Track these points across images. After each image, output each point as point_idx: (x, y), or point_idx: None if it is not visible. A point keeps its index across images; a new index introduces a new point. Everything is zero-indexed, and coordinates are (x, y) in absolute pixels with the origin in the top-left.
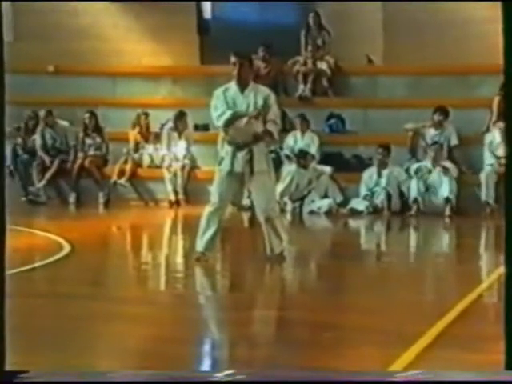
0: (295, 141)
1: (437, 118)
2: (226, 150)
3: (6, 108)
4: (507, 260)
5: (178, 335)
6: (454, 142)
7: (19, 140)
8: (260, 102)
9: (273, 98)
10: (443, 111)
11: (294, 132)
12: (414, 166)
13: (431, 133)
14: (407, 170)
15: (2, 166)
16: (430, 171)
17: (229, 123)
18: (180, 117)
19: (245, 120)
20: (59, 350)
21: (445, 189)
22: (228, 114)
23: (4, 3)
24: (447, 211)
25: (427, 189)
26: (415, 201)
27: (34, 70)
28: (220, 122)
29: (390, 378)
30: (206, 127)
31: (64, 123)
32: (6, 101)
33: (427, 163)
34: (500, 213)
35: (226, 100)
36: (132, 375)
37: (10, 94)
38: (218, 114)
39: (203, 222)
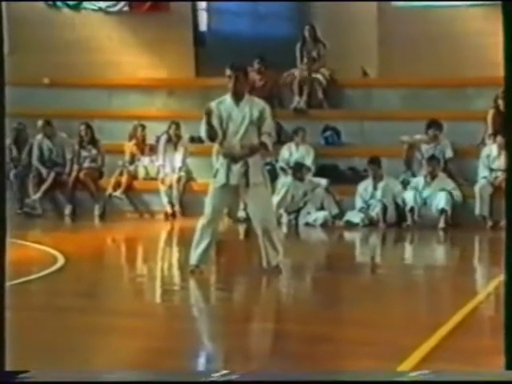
0: (290, 153)
1: (432, 132)
2: (220, 162)
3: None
4: (507, 267)
5: (173, 348)
6: (449, 154)
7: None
8: (256, 114)
9: (268, 110)
10: (437, 125)
11: (288, 144)
12: (412, 184)
13: (427, 146)
14: (403, 182)
15: (3, 178)
16: (425, 186)
17: (210, 134)
18: (173, 128)
19: (241, 132)
20: (53, 363)
21: (440, 200)
22: (202, 125)
23: None
24: (441, 223)
25: (425, 202)
26: (411, 210)
27: (29, 83)
28: (205, 139)
29: (391, 379)
30: (201, 139)
31: (63, 135)
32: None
33: (421, 178)
34: (495, 225)
35: (220, 114)
36: (130, 375)
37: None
38: (202, 130)
39: (197, 235)
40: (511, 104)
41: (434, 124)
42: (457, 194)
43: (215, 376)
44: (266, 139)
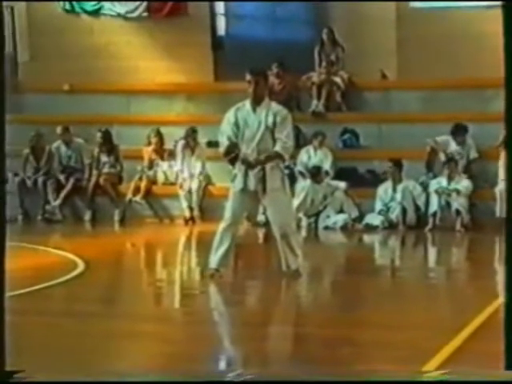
0: (309, 157)
1: (460, 138)
2: (238, 168)
3: (23, 127)
4: (508, 269)
5: (193, 352)
6: (474, 155)
7: (31, 159)
8: (270, 119)
9: (284, 115)
10: (464, 129)
11: (307, 148)
12: (434, 186)
13: (454, 148)
14: (422, 184)
15: (3, 186)
16: (448, 191)
17: (228, 153)
18: (190, 134)
19: (257, 138)
20: (73, 368)
21: (456, 202)
22: (225, 144)
23: (19, 24)
24: (458, 225)
25: (448, 204)
26: (434, 214)
27: (49, 89)
28: (222, 151)
29: (406, 379)
30: (219, 144)
31: (80, 141)
32: (21, 119)
33: (443, 180)
34: None
35: (236, 121)
36: (142, 375)
37: (26, 113)
38: (221, 140)
39: (217, 239)
40: (511, 105)
41: (460, 128)
42: (466, 191)
43: (230, 376)
44: (279, 148)
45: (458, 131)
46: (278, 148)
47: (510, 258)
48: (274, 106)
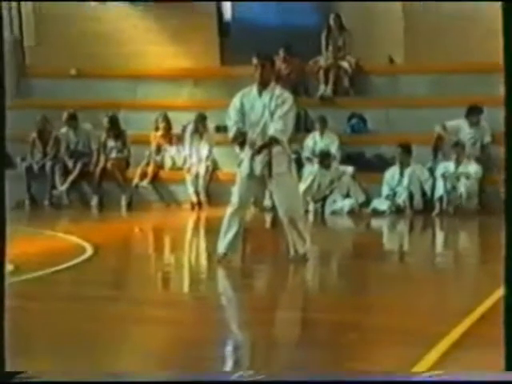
0: (314, 142)
1: (475, 118)
2: (245, 153)
3: (30, 111)
4: (507, 262)
5: (201, 337)
6: (488, 139)
7: (38, 144)
8: (273, 103)
9: (284, 97)
10: (479, 110)
11: (313, 133)
12: (441, 171)
13: (467, 131)
14: (430, 169)
15: (2, 171)
16: (455, 176)
17: (235, 139)
18: (200, 120)
19: (262, 122)
20: (82, 353)
21: (463, 186)
22: (233, 130)
23: (26, 9)
24: (468, 207)
25: (453, 187)
26: (440, 199)
27: (56, 74)
28: (230, 136)
29: (404, 379)
30: (227, 129)
31: (87, 126)
32: (28, 104)
33: (450, 164)
34: None
35: (242, 107)
36: (149, 375)
37: (33, 97)
38: (229, 125)
39: (224, 223)
40: (511, 105)
41: (475, 109)
42: (475, 176)
43: (237, 376)
44: (272, 131)
45: (473, 112)
46: (271, 132)
47: (509, 251)
48: (278, 90)
